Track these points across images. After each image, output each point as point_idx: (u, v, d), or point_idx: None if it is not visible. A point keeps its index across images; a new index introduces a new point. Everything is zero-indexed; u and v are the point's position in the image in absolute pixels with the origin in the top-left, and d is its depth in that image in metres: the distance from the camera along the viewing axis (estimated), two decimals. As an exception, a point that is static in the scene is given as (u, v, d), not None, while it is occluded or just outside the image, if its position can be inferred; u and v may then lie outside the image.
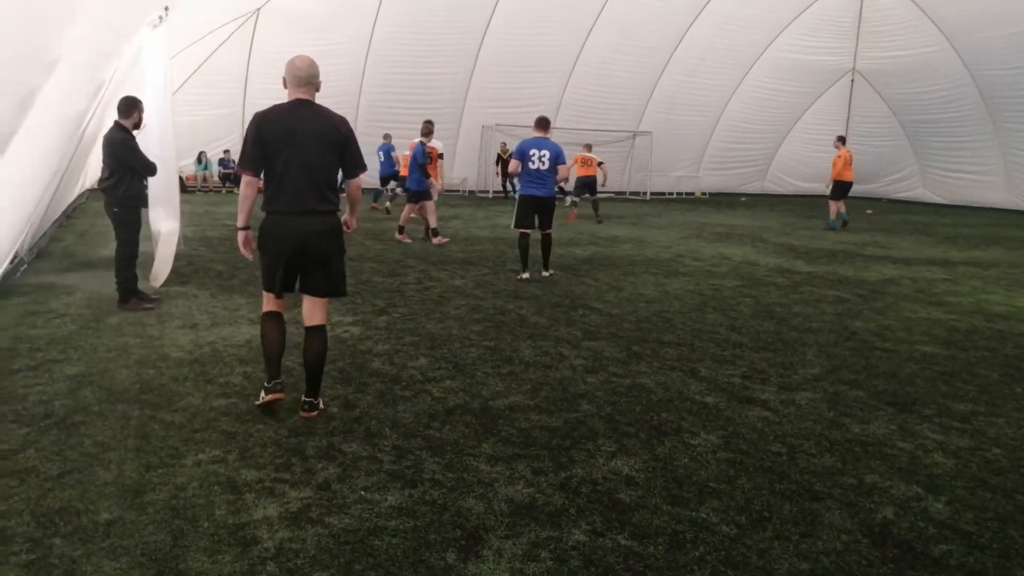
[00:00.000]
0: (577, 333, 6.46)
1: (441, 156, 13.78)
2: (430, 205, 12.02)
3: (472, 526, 3.13)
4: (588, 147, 19.13)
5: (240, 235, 4.33)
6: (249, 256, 4.42)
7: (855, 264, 11.01)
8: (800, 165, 27.74)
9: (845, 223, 16.52)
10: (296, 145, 4.04)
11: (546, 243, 9.19)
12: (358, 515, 3.19)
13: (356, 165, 4.24)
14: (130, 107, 6.84)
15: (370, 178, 21.47)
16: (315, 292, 4.27)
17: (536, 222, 9.06)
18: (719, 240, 13.64)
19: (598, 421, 4.37)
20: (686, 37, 22.83)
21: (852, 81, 26.06)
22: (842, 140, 17.47)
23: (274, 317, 4.35)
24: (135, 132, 6.88)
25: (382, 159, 19.32)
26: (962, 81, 22.20)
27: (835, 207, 16.77)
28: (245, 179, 4.17)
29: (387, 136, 19.64)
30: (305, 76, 4.12)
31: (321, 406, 4.39)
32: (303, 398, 4.35)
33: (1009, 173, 22.41)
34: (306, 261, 4.16)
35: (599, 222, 16.33)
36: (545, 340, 6.18)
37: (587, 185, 16.62)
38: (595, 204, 16.96)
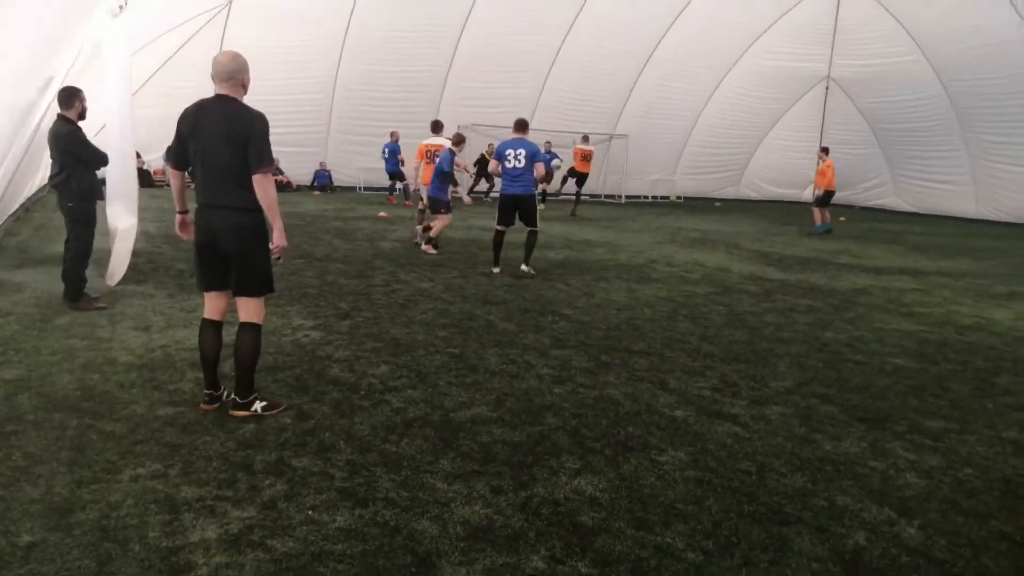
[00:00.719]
0: (545, 340, 6.29)
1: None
2: (445, 218, 11.20)
3: (424, 551, 2.95)
4: (585, 138, 19.69)
5: (176, 218, 4.38)
6: (184, 238, 4.38)
7: (827, 272, 10.98)
8: (775, 171, 27.87)
9: (828, 231, 16.74)
10: (202, 140, 4.01)
11: (529, 239, 9.47)
12: (303, 538, 2.99)
13: (256, 160, 3.97)
14: (71, 97, 6.54)
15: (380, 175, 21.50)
16: (234, 290, 4.20)
17: (516, 220, 9.38)
18: (693, 246, 13.57)
19: (563, 435, 4.21)
20: (663, 42, 22.80)
21: (827, 88, 26.21)
22: (826, 151, 17.86)
23: (208, 323, 4.30)
24: (81, 123, 6.59)
25: (386, 156, 19.48)
26: (934, 91, 22.39)
27: (821, 214, 17.32)
28: (169, 171, 4.31)
29: (394, 134, 19.62)
30: (224, 72, 4.04)
31: (258, 411, 4.22)
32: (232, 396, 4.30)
33: (978, 184, 22.65)
34: (223, 257, 4.10)
35: (572, 214, 16.83)
36: (512, 348, 6.01)
37: (580, 179, 18.95)
38: (577, 197, 18.60)
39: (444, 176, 10.81)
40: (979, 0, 19.07)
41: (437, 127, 12.50)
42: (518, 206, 9.26)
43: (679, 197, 26.84)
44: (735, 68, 24.56)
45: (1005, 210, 21.97)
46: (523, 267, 9.48)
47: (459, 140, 11.36)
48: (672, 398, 4.95)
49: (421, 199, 11.96)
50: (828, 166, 17.40)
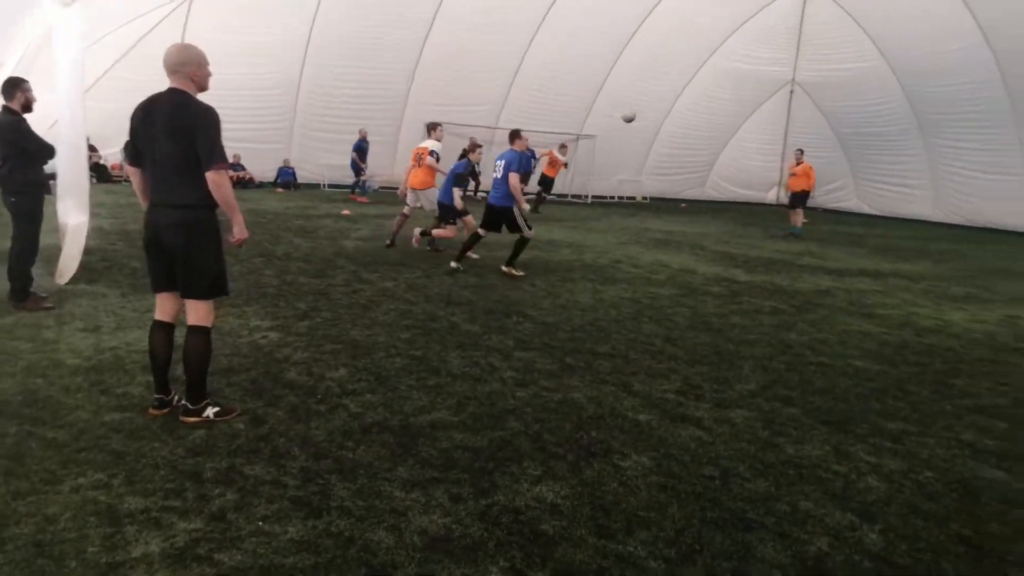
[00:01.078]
0: (509, 342, 6.21)
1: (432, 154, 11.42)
2: (449, 229, 10.76)
3: (379, 563, 2.85)
4: (563, 147, 20.43)
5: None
6: None
7: (791, 274, 11.06)
8: (739, 172, 28.16)
9: (794, 234, 16.98)
10: (149, 135, 3.87)
11: (517, 244, 9.47)
12: (252, 551, 2.87)
13: (207, 157, 3.81)
14: (13, 87, 6.30)
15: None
16: (180, 291, 4.07)
17: (500, 227, 9.49)
18: (658, 247, 13.59)
19: (525, 441, 4.13)
20: (631, 44, 22.90)
21: (791, 92, 26.54)
22: (802, 153, 18.11)
23: (158, 324, 4.17)
24: (27, 115, 6.35)
25: (354, 154, 19.53)
26: (895, 97, 22.79)
27: (794, 215, 17.53)
28: (126, 168, 4.22)
29: (361, 131, 19.55)
30: (171, 64, 3.92)
31: (210, 417, 4.09)
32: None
33: (937, 188, 23.09)
34: (169, 256, 3.96)
35: (535, 210, 17.12)
36: (476, 350, 5.91)
37: (548, 184, 20.16)
38: (540, 197, 19.56)
39: (451, 180, 10.66)
40: (940, 7, 19.41)
41: (430, 129, 11.87)
42: (499, 215, 9.36)
43: (645, 198, 26.96)
44: (701, 71, 24.74)
45: (962, 214, 22.42)
46: (502, 267, 9.53)
47: (473, 147, 11.39)
48: (636, 401, 4.90)
49: (407, 204, 11.52)
50: (809, 167, 17.65)
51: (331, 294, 7.71)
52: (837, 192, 26.82)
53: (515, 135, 9.53)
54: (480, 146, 11.42)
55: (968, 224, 22.06)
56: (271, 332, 6.09)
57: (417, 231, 11.14)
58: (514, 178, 9.10)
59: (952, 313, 8.66)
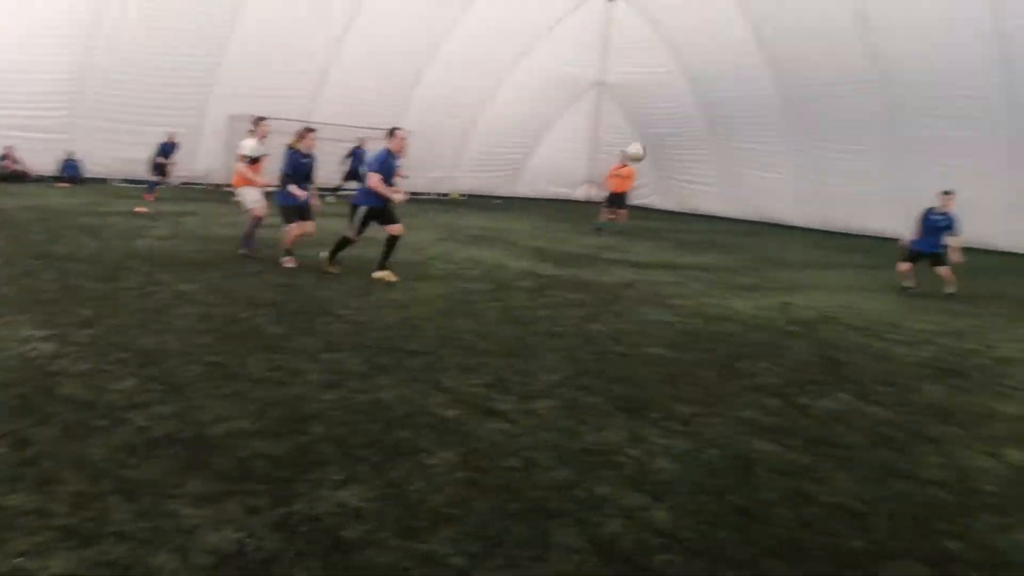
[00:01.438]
0: (318, 344, 6.01)
1: (256, 160, 10.42)
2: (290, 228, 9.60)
3: (162, 589, 2.64)
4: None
5: None
6: None
7: (596, 268, 11.60)
8: (551, 170, 29.16)
9: (602, 229, 17.57)
10: None
11: (339, 241, 9.23)
12: (8, 590, 2.56)
13: None
14: None
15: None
16: None
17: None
18: (472, 243, 13.77)
19: (328, 445, 4.01)
20: (445, 43, 23.01)
21: (599, 94, 27.86)
22: (627, 155, 18.99)
23: None
24: None
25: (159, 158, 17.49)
26: (688, 101, 24.66)
27: (611, 213, 17.83)
28: None
29: (170, 134, 17.67)
30: None
31: None
32: None
33: (725, 185, 25.25)
34: None
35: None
36: (281, 353, 5.67)
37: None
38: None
39: (284, 178, 9.53)
40: (727, 14, 21.19)
41: (252, 125, 10.78)
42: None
43: (461, 195, 27.22)
44: (514, 71, 25.33)
45: (747, 209, 24.66)
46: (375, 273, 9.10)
47: (301, 135, 9.83)
48: (445, 398, 4.91)
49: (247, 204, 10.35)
50: (632, 171, 18.27)
51: (120, 298, 7.10)
52: (641, 189, 28.49)
53: (389, 132, 9.23)
54: (313, 130, 10.06)
55: (753, 219, 24.30)
56: (44, 343, 5.48)
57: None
58: (373, 178, 8.82)
59: (737, 301, 9.47)
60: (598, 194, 23.89)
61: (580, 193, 30.02)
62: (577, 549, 3.14)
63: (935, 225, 11.12)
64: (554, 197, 29.55)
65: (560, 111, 27.96)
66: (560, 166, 29.11)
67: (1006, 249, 18.38)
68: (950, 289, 10.93)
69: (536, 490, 3.66)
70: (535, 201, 28.35)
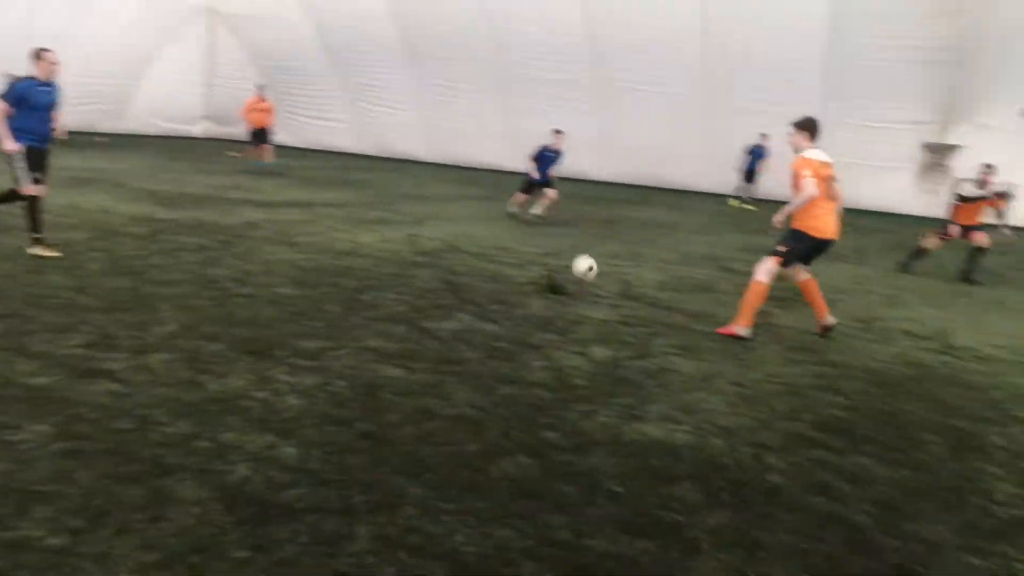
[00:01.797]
0: None
1: None
2: None
3: None
4: None
5: None
6: None
7: (219, 209, 10.92)
8: (163, 105, 26.42)
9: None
10: None
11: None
12: None
13: None
14: None
15: None
16: None
17: None
18: (72, 186, 11.97)
19: None
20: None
21: (211, 22, 25.71)
22: (263, 89, 18.85)
23: None
24: None
25: None
26: (308, 34, 23.93)
27: (256, 151, 18.02)
28: None
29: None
30: None
31: None
32: None
33: (354, 122, 25.28)
34: None
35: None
36: None
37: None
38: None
39: None
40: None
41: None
42: None
43: (64, 133, 23.42)
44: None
45: (379, 146, 25.09)
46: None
47: None
48: (34, 364, 4.28)
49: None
50: (270, 106, 18.13)
51: None
52: (266, 126, 27.32)
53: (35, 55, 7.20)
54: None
55: (379, 155, 24.78)
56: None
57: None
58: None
59: (364, 235, 9.66)
60: (216, 130, 22.33)
61: (199, 130, 27.76)
62: (200, 501, 3.03)
63: (549, 159, 12.49)
64: (170, 134, 26.89)
65: (166, 39, 25.26)
66: (173, 100, 26.45)
67: (596, 179, 21.30)
68: (538, 210, 12.43)
69: (152, 449, 3.42)
70: (148, 138, 25.53)
